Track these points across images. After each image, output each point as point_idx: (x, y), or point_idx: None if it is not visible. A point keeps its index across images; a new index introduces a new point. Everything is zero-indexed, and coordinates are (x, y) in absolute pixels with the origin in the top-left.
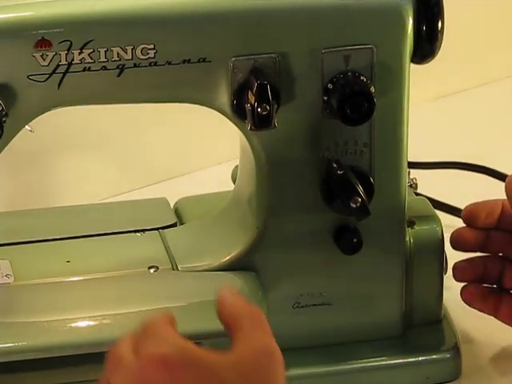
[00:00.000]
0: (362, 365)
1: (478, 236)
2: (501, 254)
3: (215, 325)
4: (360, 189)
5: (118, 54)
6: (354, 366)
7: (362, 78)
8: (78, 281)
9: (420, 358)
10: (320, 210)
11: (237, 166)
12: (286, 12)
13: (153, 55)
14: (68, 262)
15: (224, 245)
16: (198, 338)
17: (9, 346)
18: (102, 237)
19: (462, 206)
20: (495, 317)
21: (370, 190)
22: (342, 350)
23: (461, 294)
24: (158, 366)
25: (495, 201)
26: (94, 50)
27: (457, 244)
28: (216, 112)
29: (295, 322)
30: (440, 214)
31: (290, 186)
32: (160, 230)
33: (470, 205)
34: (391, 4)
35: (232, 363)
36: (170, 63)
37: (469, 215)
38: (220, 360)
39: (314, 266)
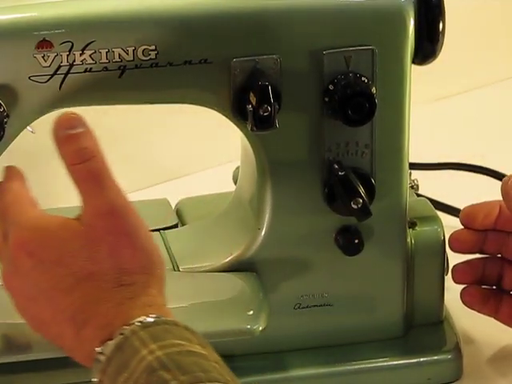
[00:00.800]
0: (364, 366)
1: (476, 237)
2: (499, 256)
3: (217, 326)
4: (361, 190)
5: (119, 55)
6: (356, 366)
7: (363, 78)
8: None
9: (421, 359)
10: (321, 210)
11: (238, 167)
12: (287, 13)
13: (154, 56)
14: None
15: (225, 246)
16: None
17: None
18: None
19: (462, 206)
20: (495, 318)
21: (371, 191)
22: (343, 351)
23: (461, 296)
24: (21, 254)
25: (492, 202)
26: (95, 51)
27: (455, 246)
28: (217, 113)
29: (296, 323)
30: (441, 214)
31: (291, 186)
32: (161, 231)
33: (468, 207)
34: (392, 5)
35: (81, 233)
36: (171, 64)
37: (466, 217)
38: (71, 234)
39: (315, 266)
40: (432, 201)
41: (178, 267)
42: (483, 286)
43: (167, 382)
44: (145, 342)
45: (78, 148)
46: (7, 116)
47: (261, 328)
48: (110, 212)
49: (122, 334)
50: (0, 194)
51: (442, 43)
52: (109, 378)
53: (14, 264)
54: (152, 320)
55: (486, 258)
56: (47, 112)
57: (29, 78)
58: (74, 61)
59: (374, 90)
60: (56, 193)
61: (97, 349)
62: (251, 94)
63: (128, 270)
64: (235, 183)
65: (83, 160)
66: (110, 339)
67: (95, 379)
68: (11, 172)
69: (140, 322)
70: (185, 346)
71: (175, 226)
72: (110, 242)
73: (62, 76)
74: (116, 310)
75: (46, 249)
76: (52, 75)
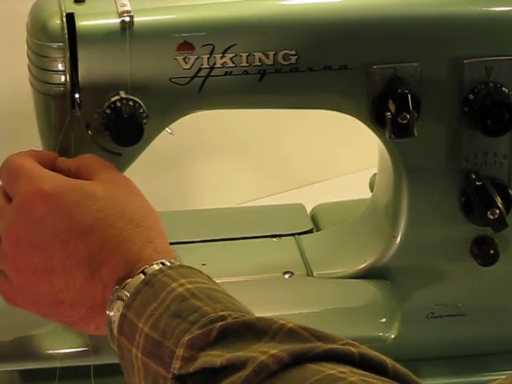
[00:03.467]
0: (496, 377)
1: None
2: None
3: (349, 332)
4: (498, 200)
5: (259, 58)
6: (487, 378)
7: (503, 89)
8: None
9: None
10: (457, 220)
11: (375, 174)
12: (429, 21)
13: (294, 61)
14: (204, 264)
15: (359, 252)
16: None
17: None
18: (238, 241)
19: None
20: None
21: (508, 202)
22: (475, 362)
23: None
24: (35, 201)
25: None
26: (235, 55)
27: None
28: (355, 119)
29: (429, 332)
30: None
31: (428, 195)
32: (296, 236)
33: None
34: None
35: (96, 182)
36: (311, 69)
37: None
38: (87, 183)
39: (449, 276)
40: None
41: (311, 272)
42: None
43: (199, 308)
44: (174, 277)
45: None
46: (147, 117)
47: (393, 336)
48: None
49: (143, 272)
50: (10, 162)
51: None
52: (134, 311)
53: (28, 212)
54: (178, 263)
55: None
56: (186, 114)
57: (169, 79)
58: (215, 64)
59: None
60: (192, 194)
61: (116, 287)
62: (390, 102)
63: (143, 215)
64: (371, 190)
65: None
66: (129, 278)
67: (111, 313)
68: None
69: (166, 263)
70: (213, 286)
71: (310, 232)
72: (126, 188)
73: (202, 79)
74: (138, 251)
75: (63, 194)
76: (192, 77)
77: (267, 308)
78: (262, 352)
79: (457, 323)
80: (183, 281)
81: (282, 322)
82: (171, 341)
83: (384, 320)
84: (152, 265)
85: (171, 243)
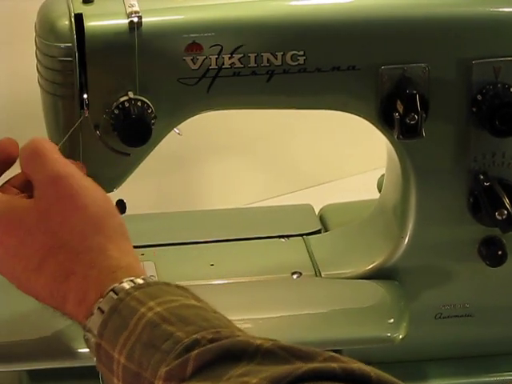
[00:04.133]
0: (504, 378)
1: None
2: None
3: (357, 332)
4: (506, 201)
5: (267, 59)
6: (496, 378)
7: (511, 90)
8: (221, 284)
9: None
10: (465, 220)
11: (383, 175)
12: (437, 22)
13: (302, 62)
14: (212, 265)
15: (368, 253)
16: (339, 345)
17: None
18: (247, 241)
19: None
20: None
21: None
22: (483, 363)
23: None
24: None
25: None
26: (244, 55)
27: None
28: (363, 120)
29: (437, 333)
30: None
31: (436, 196)
32: (304, 237)
33: None
34: None
35: (31, 208)
36: (319, 70)
37: None
38: (23, 212)
39: (457, 276)
40: None
41: (320, 273)
42: None
43: (172, 334)
44: (141, 300)
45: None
46: (155, 117)
47: (401, 336)
48: (53, 180)
49: (99, 308)
50: None
51: None
52: (107, 340)
53: None
54: (142, 282)
55: None
56: (194, 114)
57: (177, 80)
58: (223, 64)
59: None
60: (200, 194)
61: (86, 322)
62: (398, 102)
63: (82, 234)
64: (379, 191)
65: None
66: (91, 314)
67: (89, 334)
68: None
69: (130, 282)
70: (182, 301)
71: (318, 232)
72: (59, 208)
73: (211, 79)
74: (84, 284)
75: (5, 234)
76: (200, 78)
77: (275, 308)
78: (243, 382)
79: (465, 324)
80: (152, 303)
81: (259, 342)
82: (148, 372)
83: (392, 320)
84: (107, 294)
85: (179, 244)
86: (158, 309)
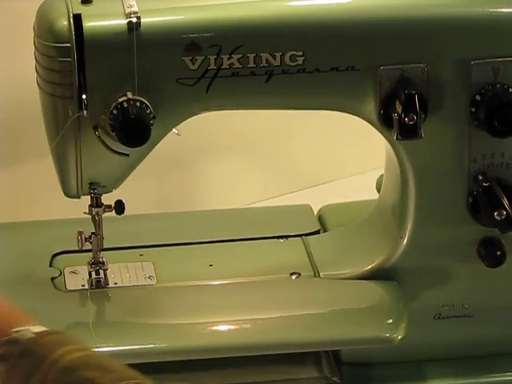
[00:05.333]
0: (503, 378)
1: None
2: None
3: (356, 333)
4: (505, 201)
5: (266, 59)
6: (495, 379)
7: (510, 90)
8: (219, 285)
9: None
10: (464, 221)
11: (382, 176)
12: (436, 23)
13: (301, 62)
14: (211, 265)
15: (366, 253)
16: (338, 346)
17: (149, 348)
18: (245, 242)
19: None
20: None
21: None
22: (482, 363)
23: None
24: None
25: None
26: (243, 56)
27: None
28: (362, 120)
29: (436, 333)
30: None
31: (435, 196)
32: (303, 237)
33: None
34: None
35: None
36: (318, 70)
37: None
38: None
39: (456, 277)
40: None
41: (318, 273)
42: None
43: (92, 380)
44: (53, 346)
45: None
46: (154, 118)
47: (400, 337)
48: None
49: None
50: None
51: None
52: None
53: None
54: (44, 329)
55: None
56: (193, 115)
57: (176, 80)
58: (222, 64)
59: None
60: (199, 195)
61: None
62: (397, 103)
63: None
64: (378, 191)
65: None
66: None
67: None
68: None
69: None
70: (91, 351)
71: (317, 232)
72: None
73: (209, 79)
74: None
75: None
76: (199, 78)
77: (274, 309)
78: None
79: (464, 324)
80: (66, 348)
81: None
82: None
83: (391, 321)
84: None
85: (178, 244)
86: (76, 354)
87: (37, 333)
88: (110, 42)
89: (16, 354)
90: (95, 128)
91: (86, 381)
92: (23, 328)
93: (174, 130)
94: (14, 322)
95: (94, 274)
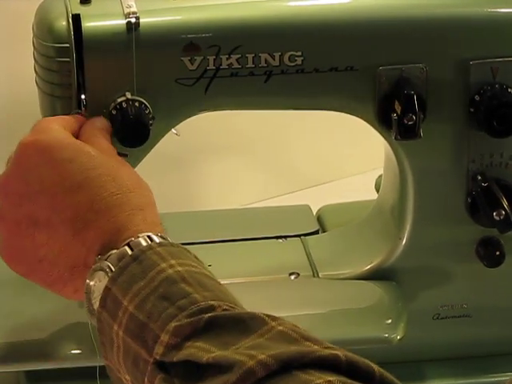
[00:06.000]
0: (503, 378)
1: None
2: None
3: (355, 333)
4: (504, 201)
5: (265, 60)
6: (494, 379)
7: (509, 90)
8: None
9: None
10: (463, 221)
11: (381, 176)
12: (435, 23)
13: (300, 62)
14: (209, 265)
15: (365, 254)
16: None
17: None
18: (244, 242)
19: None
20: None
21: None
22: (482, 363)
23: None
24: (30, 150)
25: None
26: (242, 56)
27: None
28: (361, 120)
29: (435, 333)
30: None
31: (434, 196)
32: (302, 237)
33: None
34: None
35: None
36: (317, 70)
37: None
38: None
39: (455, 277)
40: None
41: (317, 273)
42: None
43: (189, 294)
44: (164, 256)
45: None
46: (153, 118)
47: (399, 337)
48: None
49: (128, 245)
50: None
51: None
52: (119, 286)
53: (20, 161)
54: (166, 241)
55: None
56: (192, 115)
57: (175, 80)
58: (221, 65)
59: None
60: (198, 195)
61: (99, 256)
62: (396, 103)
63: (135, 183)
64: (377, 191)
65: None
66: (113, 248)
67: (92, 282)
68: None
69: (154, 238)
70: (202, 269)
71: (316, 233)
72: (118, 158)
73: (208, 80)
74: (126, 219)
75: (59, 149)
76: (198, 79)
77: (273, 309)
78: (250, 356)
79: (463, 324)
80: (173, 262)
81: (273, 324)
82: (157, 324)
83: (390, 321)
84: (138, 237)
85: None
86: (179, 268)
87: (153, 240)
88: (108, 43)
89: (128, 257)
90: None
91: (184, 293)
92: (142, 234)
93: (173, 130)
94: (141, 227)
95: None
